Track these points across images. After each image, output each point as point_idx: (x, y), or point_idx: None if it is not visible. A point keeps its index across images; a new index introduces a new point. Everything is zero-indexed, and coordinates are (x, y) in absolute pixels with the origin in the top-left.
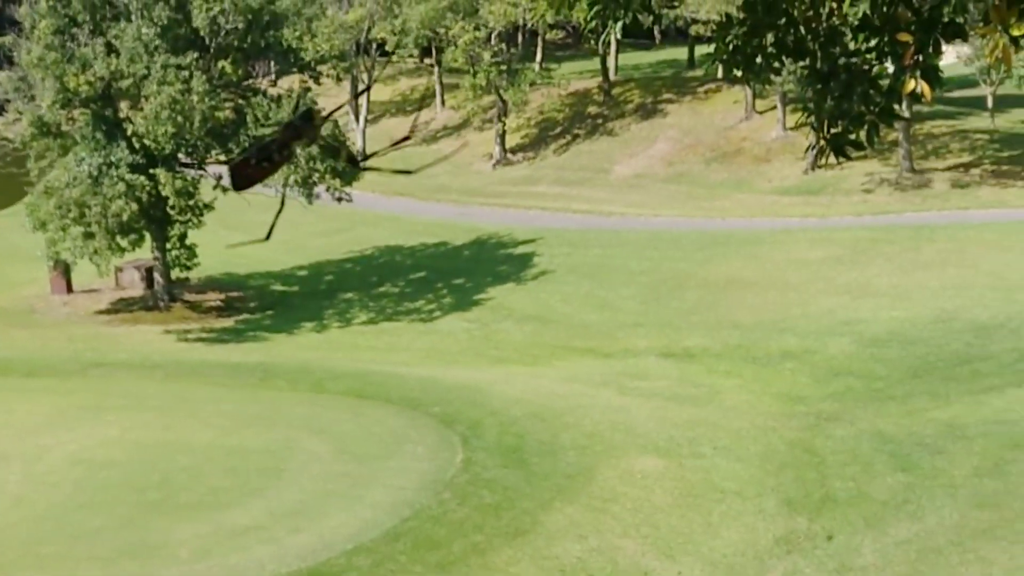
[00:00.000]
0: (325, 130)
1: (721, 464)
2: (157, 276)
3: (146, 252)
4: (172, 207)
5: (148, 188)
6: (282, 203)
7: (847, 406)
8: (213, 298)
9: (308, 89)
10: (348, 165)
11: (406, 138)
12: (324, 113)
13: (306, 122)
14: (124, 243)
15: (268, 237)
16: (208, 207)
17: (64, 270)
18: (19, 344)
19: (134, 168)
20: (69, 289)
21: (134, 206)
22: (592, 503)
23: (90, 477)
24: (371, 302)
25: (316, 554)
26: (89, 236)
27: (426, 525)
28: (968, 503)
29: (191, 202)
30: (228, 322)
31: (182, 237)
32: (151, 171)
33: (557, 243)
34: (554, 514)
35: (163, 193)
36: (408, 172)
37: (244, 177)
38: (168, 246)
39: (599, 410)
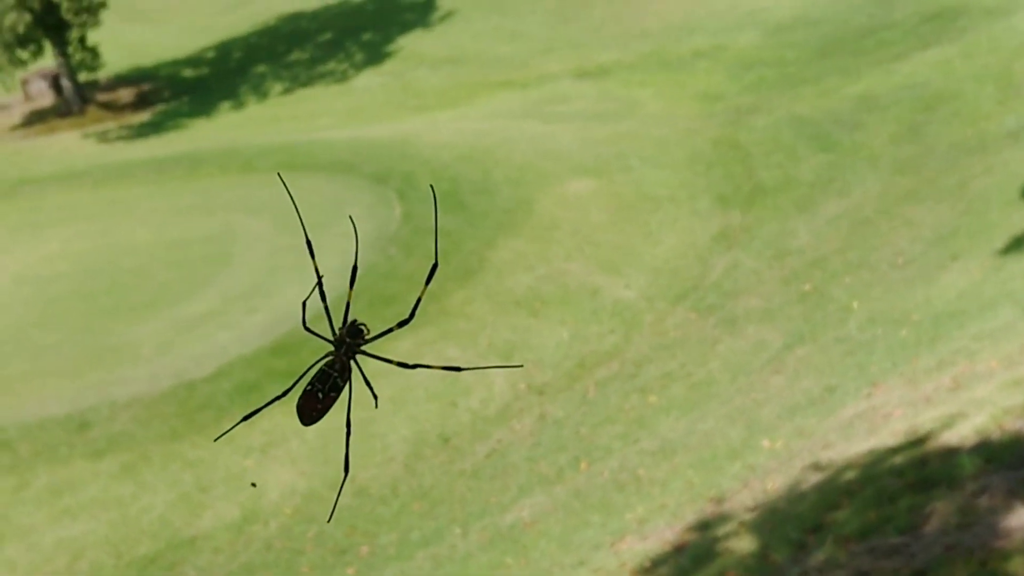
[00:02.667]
0: None
1: (650, 174)
2: (65, 81)
3: (49, 60)
4: (65, 11)
5: None
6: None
7: (763, 96)
8: (126, 94)
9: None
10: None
11: (435, 266)
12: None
13: (357, 337)
14: (24, 55)
15: None
16: (102, 5)
17: None
18: None
19: None
20: None
21: (27, 16)
22: (534, 233)
23: (39, 294)
24: (283, 71)
25: (275, 328)
26: None
27: (378, 282)
28: (890, 171)
29: (83, 3)
30: (145, 116)
31: (82, 40)
32: None
33: None
34: (499, 250)
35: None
36: (459, 369)
37: (315, 412)
38: (70, 50)
39: (525, 141)
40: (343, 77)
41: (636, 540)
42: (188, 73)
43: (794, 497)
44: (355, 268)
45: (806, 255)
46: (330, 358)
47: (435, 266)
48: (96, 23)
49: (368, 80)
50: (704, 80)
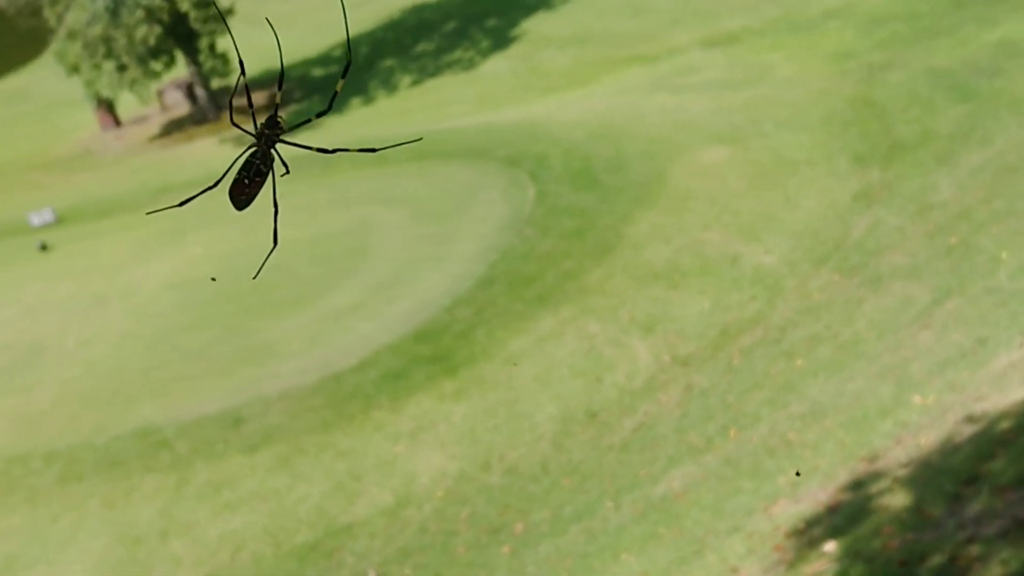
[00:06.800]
0: None
1: (786, 138)
2: (199, 89)
3: (181, 70)
4: (194, 20)
5: (167, 8)
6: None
7: (897, 51)
8: (258, 98)
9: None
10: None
11: (348, 63)
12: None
13: (274, 127)
14: (157, 67)
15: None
16: (229, 12)
17: (108, 106)
18: (85, 188)
19: None
20: (118, 123)
21: (157, 29)
22: (670, 205)
23: (187, 298)
24: (411, 63)
25: (418, 315)
26: (122, 68)
27: (516, 263)
28: None
29: (210, 12)
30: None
31: (212, 47)
32: None
33: None
34: (635, 224)
35: (181, 10)
36: (373, 150)
37: (245, 196)
38: (201, 59)
39: (657, 114)
40: (470, 64)
41: (789, 503)
42: (317, 72)
43: (948, 450)
44: (348, 63)
45: (950, 208)
46: (253, 149)
47: (349, 63)
48: (224, 30)
49: (495, 66)
50: (835, 39)
